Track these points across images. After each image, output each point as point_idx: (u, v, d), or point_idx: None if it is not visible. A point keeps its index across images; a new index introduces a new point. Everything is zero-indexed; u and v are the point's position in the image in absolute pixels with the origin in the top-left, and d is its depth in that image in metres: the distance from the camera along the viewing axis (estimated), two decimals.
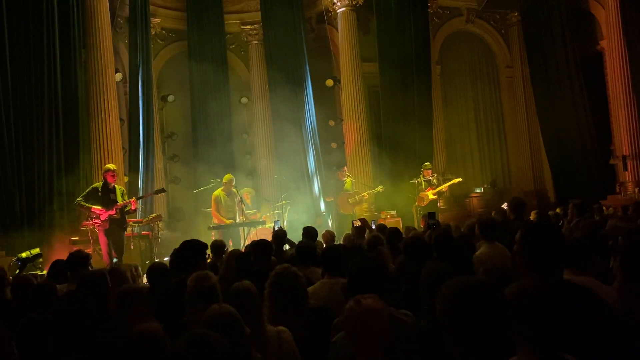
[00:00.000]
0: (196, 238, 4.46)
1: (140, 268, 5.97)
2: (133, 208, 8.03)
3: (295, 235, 7.35)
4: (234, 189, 9.86)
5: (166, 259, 5.82)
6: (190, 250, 4.09)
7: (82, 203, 7.90)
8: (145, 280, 5.82)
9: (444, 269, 2.83)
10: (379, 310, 2.33)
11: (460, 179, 11.77)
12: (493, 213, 8.83)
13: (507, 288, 2.06)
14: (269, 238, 6.48)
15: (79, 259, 4.76)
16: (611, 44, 12.63)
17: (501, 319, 1.62)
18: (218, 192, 9.87)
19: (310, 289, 3.66)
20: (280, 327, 2.91)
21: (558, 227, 2.52)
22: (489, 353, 1.60)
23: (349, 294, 2.69)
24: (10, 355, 2.47)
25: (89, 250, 7.46)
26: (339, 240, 7.79)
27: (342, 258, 4.11)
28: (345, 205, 11.45)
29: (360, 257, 2.92)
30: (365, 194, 11.75)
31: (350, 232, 7.71)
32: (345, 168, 12.00)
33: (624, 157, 12.30)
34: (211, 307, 2.50)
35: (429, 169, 11.43)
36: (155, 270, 4.34)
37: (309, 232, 6.55)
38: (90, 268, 4.93)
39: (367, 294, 2.66)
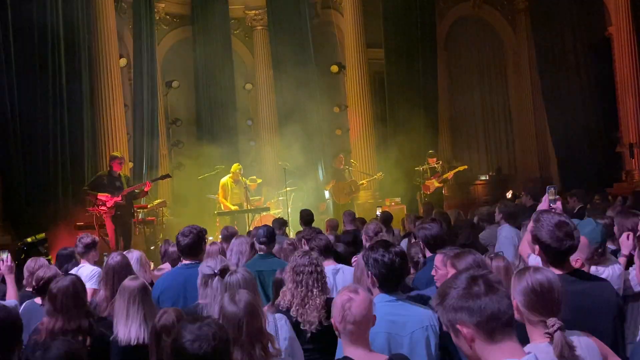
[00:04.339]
0: (201, 224, 4.44)
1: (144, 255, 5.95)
2: (146, 189, 8.07)
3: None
4: (241, 178, 10.10)
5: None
6: (195, 235, 4.12)
7: (89, 191, 7.94)
8: (152, 267, 5.83)
9: None
10: (371, 301, 2.34)
11: (465, 167, 11.72)
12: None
13: (516, 272, 2.07)
14: None
15: (87, 243, 4.79)
16: (619, 30, 12.50)
17: (505, 310, 1.61)
18: (226, 179, 10.08)
19: None
20: (277, 314, 2.96)
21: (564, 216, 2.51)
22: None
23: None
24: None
25: (94, 234, 7.47)
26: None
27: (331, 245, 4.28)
28: (339, 195, 11.35)
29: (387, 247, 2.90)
30: (364, 181, 11.65)
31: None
32: (342, 155, 11.86)
33: (631, 145, 12.23)
34: (227, 294, 2.49)
35: (433, 157, 11.36)
36: None
37: (306, 216, 6.64)
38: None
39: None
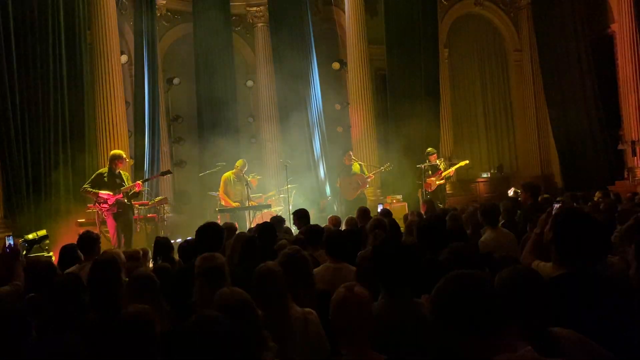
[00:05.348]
0: (202, 221, 4.44)
1: (150, 252, 5.97)
2: (137, 190, 8.04)
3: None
4: (244, 175, 10.03)
5: (179, 240, 5.82)
6: (214, 232, 4.12)
7: (89, 189, 7.90)
8: (151, 264, 5.84)
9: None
10: (369, 299, 2.31)
11: (466, 162, 11.68)
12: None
13: (499, 273, 2.03)
14: None
15: (90, 240, 4.79)
16: (622, 28, 12.45)
17: (492, 308, 1.62)
18: (229, 174, 10.03)
19: (314, 271, 3.66)
20: (307, 309, 2.87)
21: (592, 216, 2.49)
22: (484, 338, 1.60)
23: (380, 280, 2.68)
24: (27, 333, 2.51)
25: (95, 231, 7.46)
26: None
27: (346, 243, 4.13)
28: (347, 191, 11.30)
29: (396, 244, 2.84)
30: (371, 174, 11.57)
31: (353, 215, 7.66)
32: (351, 152, 11.86)
33: (633, 143, 12.19)
34: (221, 291, 2.47)
35: (433, 154, 11.33)
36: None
37: (301, 215, 6.55)
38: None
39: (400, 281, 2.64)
